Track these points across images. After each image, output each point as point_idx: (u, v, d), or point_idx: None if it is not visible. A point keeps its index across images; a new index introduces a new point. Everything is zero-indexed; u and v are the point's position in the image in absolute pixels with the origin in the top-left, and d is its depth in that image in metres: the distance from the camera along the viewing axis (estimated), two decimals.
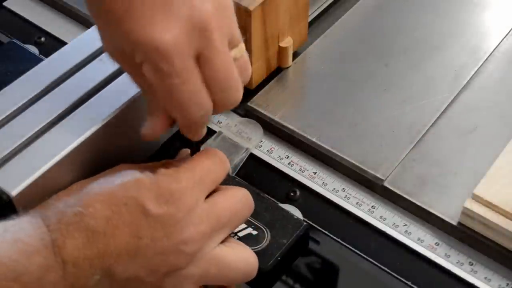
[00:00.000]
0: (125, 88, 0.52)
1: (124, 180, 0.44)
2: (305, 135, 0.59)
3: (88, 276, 0.41)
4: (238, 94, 0.46)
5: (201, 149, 0.57)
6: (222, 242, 0.47)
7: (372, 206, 0.56)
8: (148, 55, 0.42)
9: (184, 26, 0.41)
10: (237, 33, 0.45)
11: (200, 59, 0.43)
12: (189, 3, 0.41)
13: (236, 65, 0.45)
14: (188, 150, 0.53)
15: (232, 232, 0.49)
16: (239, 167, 0.58)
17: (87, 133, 0.49)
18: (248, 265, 0.47)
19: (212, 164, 0.47)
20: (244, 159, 0.58)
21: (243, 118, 0.61)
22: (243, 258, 0.47)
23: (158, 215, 0.43)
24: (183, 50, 0.42)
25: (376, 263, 0.53)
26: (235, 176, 0.56)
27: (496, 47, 0.67)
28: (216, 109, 0.46)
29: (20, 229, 0.41)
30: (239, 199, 0.48)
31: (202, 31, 0.42)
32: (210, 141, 0.58)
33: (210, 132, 0.60)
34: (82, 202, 0.43)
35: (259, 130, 0.60)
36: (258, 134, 0.60)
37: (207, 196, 0.47)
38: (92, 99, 0.52)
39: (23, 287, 0.39)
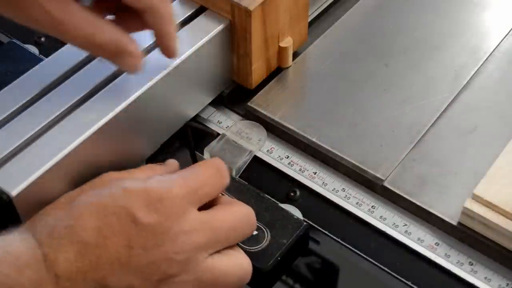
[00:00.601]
0: (125, 88, 0.52)
1: (112, 190, 0.44)
2: (305, 135, 0.59)
3: None
4: None
5: (205, 151, 0.57)
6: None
7: (372, 206, 0.56)
8: None
9: None
10: None
11: None
12: None
13: None
14: (175, 161, 0.53)
15: None
16: (242, 170, 0.58)
17: (87, 133, 0.49)
18: (242, 270, 0.47)
19: (208, 176, 0.47)
20: (248, 162, 0.58)
21: (247, 121, 0.61)
22: (237, 264, 0.47)
23: (148, 224, 0.43)
24: None
25: (376, 263, 0.53)
26: (234, 177, 0.56)
27: (496, 47, 0.67)
28: None
29: (10, 243, 0.41)
30: (241, 216, 0.47)
31: None
32: (213, 143, 0.58)
33: (214, 135, 0.60)
34: (72, 215, 0.43)
35: (263, 133, 0.60)
36: (262, 137, 0.60)
37: (207, 208, 0.46)
38: (92, 99, 0.52)
39: None
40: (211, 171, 0.47)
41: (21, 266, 0.40)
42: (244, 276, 0.48)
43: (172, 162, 0.52)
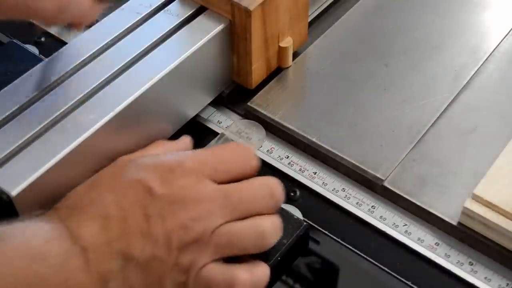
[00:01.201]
0: (124, 88, 0.52)
1: (126, 168, 0.47)
2: (305, 135, 0.59)
3: (109, 260, 0.43)
4: None
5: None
6: None
7: (372, 206, 0.56)
8: None
9: None
10: None
11: None
12: None
13: None
14: (188, 137, 0.53)
15: None
16: None
17: (87, 133, 0.49)
18: (258, 232, 0.46)
19: (228, 155, 0.48)
20: None
21: (246, 120, 0.61)
22: (253, 226, 0.46)
23: (162, 194, 0.45)
24: None
25: (376, 263, 0.53)
26: None
27: (496, 47, 0.67)
28: None
29: (36, 222, 0.43)
30: (258, 186, 0.47)
31: None
32: (212, 142, 0.58)
33: (213, 134, 0.60)
34: (90, 194, 0.45)
35: (261, 132, 0.60)
36: (261, 136, 0.60)
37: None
38: (92, 99, 0.52)
39: (47, 269, 0.41)
40: (234, 152, 0.49)
41: (48, 239, 0.42)
42: (262, 241, 0.46)
43: (185, 138, 0.53)
